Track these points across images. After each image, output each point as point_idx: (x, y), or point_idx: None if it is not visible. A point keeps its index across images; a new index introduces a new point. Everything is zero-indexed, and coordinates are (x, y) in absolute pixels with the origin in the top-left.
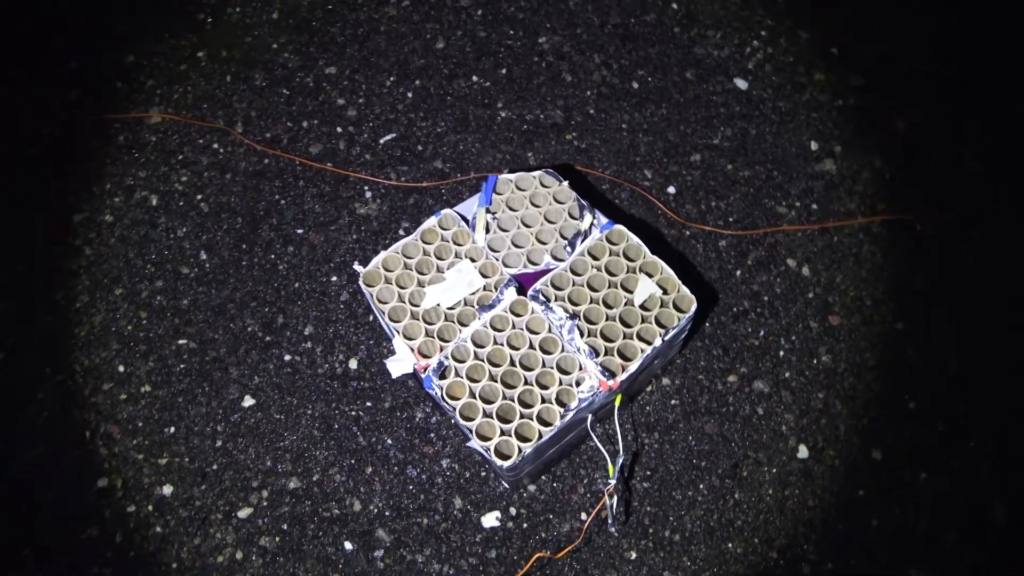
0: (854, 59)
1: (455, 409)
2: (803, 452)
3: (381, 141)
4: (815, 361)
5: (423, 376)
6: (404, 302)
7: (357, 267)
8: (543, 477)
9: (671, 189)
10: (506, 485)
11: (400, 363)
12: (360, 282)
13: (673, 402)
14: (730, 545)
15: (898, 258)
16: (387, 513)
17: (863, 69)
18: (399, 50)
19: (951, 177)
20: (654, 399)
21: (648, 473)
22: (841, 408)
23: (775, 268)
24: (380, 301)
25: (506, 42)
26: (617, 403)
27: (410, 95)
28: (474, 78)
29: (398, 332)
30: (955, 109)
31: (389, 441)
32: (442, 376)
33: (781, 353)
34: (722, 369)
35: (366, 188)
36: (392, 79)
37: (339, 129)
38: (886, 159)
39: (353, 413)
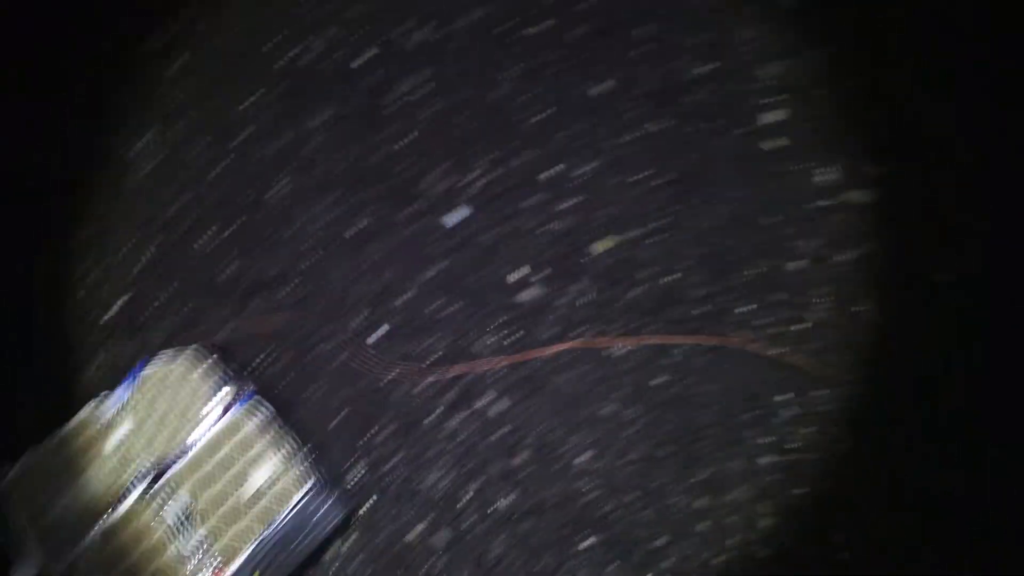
0: (559, 183)
1: None
2: None
3: (115, 305)
4: (491, 510)
5: None
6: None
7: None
8: None
9: (379, 332)
10: None
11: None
12: None
13: (359, 559)
14: None
15: (590, 386)
16: None
17: (570, 191)
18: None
19: (656, 291)
20: (342, 555)
21: None
22: (517, 555)
23: (468, 407)
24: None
25: (246, 192)
26: None
27: (152, 251)
28: (212, 229)
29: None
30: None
31: None
32: None
33: (467, 497)
34: (407, 522)
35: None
36: (133, 241)
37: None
38: (591, 281)
39: None
